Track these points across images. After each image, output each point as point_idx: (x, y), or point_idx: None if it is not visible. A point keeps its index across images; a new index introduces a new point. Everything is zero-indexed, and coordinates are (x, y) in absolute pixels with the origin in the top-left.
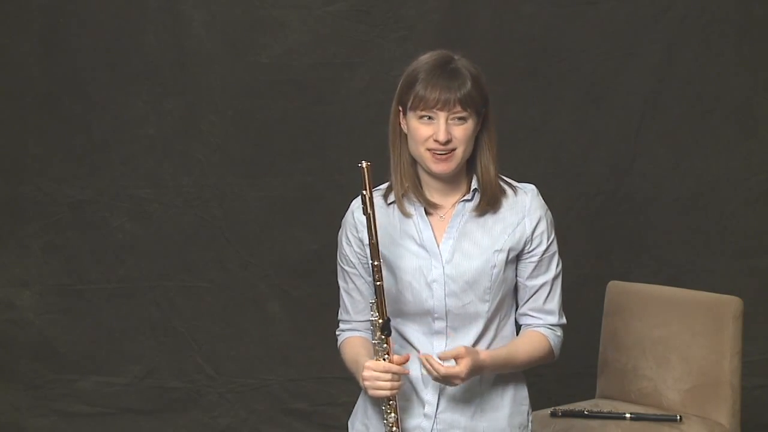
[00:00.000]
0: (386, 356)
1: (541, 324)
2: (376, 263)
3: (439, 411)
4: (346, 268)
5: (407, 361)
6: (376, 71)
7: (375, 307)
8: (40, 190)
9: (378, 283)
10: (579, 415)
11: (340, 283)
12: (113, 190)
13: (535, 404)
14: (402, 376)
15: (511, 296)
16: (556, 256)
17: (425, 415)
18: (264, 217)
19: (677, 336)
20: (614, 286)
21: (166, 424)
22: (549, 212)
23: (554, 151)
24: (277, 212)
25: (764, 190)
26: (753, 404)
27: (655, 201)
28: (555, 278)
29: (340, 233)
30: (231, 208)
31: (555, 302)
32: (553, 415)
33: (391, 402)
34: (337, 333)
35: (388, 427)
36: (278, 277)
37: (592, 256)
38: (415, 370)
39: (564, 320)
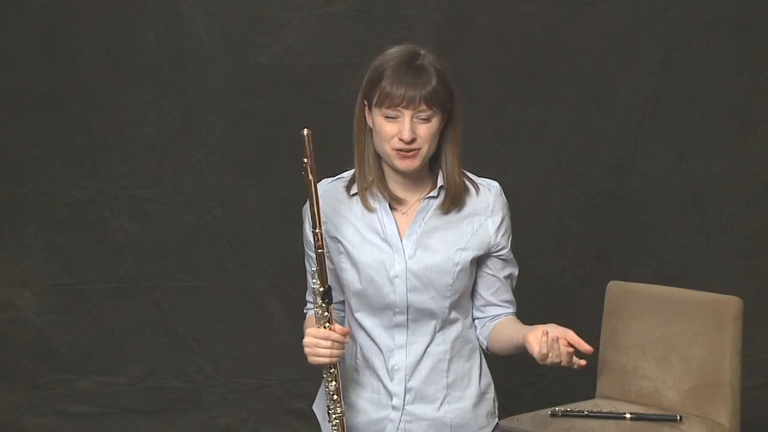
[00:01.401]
0: (327, 324)
1: (510, 312)
2: (317, 231)
3: (406, 403)
4: (309, 252)
5: (348, 333)
6: None
7: (316, 274)
8: (40, 190)
9: (320, 251)
10: (579, 415)
11: (306, 266)
12: (113, 190)
13: (535, 404)
14: (365, 365)
15: (469, 292)
16: (512, 253)
17: (393, 407)
18: (264, 217)
19: (677, 336)
20: (614, 286)
21: (166, 424)
22: (509, 213)
23: (554, 151)
24: (277, 212)
25: (764, 190)
26: (753, 404)
27: (655, 201)
28: (516, 273)
29: (303, 217)
30: (231, 208)
31: (513, 291)
32: (553, 415)
33: (332, 370)
34: (304, 311)
35: (329, 395)
36: (278, 277)
37: (592, 256)
38: (381, 362)
39: None
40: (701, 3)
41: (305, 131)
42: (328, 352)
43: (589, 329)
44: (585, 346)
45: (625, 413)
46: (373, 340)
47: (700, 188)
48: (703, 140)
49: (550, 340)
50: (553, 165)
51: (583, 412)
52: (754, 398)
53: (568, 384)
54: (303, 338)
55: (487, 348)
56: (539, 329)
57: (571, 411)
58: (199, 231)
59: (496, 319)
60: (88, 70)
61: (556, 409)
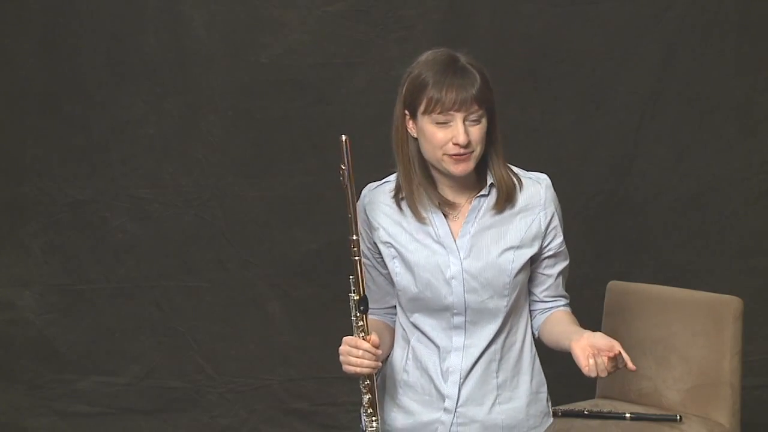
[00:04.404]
0: (362, 334)
1: (561, 305)
2: (354, 238)
3: (459, 405)
4: (364, 258)
5: (378, 345)
6: (376, 71)
7: (353, 283)
8: (40, 190)
9: (356, 258)
10: (579, 415)
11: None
12: (113, 190)
13: None
14: (416, 365)
15: (525, 288)
16: (566, 248)
17: (445, 409)
18: (264, 217)
19: (677, 336)
20: (614, 286)
21: (166, 424)
22: (559, 205)
23: (554, 151)
24: (277, 212)
25: (764, 190)
26: (753, 404)
27: (655, 201)
28: (568, 265)
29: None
30: (231, 208)
31: (564, 285)
32: (553, 415)
33: (366, 382)
34: None
35: (364, 408)
36: (278, 277)
37: (592, 256)
38: (434, 364)
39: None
40: (701, 3)
41: (343, 137)
42: (358, 361)
43: (589, 329)
44: (629, 364)
45: (625, 413)
46: (430, 339)
47: (700, 188)
48: (703, 140)
49: (594, 360)
50: (553, 165)
51: (583, 412)
52: (754, 398)
53: (568, 384)
54: (340, 348)
55: (538, 337)
56: (585, 340)
57: (571, 411)
58: (199, 231)
59: (547, 312)
60: (88, 70)
61: (556, 409)
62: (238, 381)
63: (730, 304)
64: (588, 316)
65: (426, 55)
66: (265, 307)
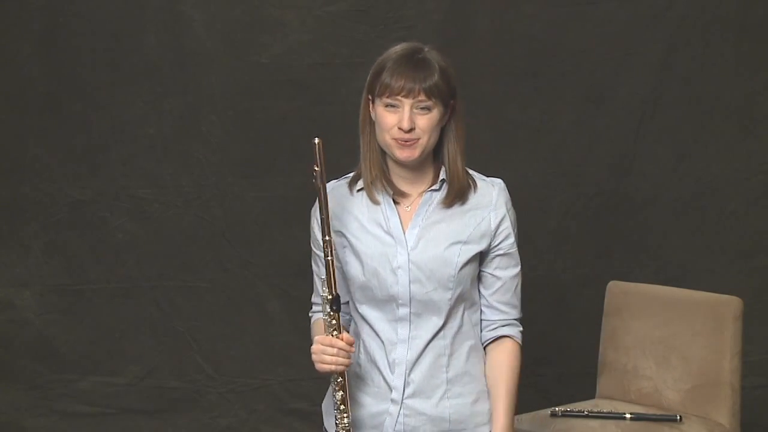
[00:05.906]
0: (335, 332)
1: (508, 319)
2: (326, 239)
3: (405, 396)
4: (316, 251)
5: (353, 343)
6: None
7: (325, 283)
8: (40, 190)
9: (328, 258)
10: (579, 415)
11: (313, 266)
12: (113, 190)
13: (535, 404)
14: (367, 359)
15: (476, 286)
16: (517, 253)
17: (392, 400)
18: (264, 217)
19: (677, 336)
20: (614, 286)
21: (166, 424)
22: (513, 209)
23: (554, 151)
24: (277, 212)
25: (764, 190)
26: (753, 404)
27: (655, 201)
28: (520, 272)
29: (311, 218)
30: (231, 208)
31: (519, 296)
32: (553, 415)
33: (339, 379)
34: (309, 314)
35: (336, 405)
36: (278, 277)
37: (592, 256)
38: (382, 356)
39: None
40: (701, 3)
41: (316, 140)
42: (333, 359)
43: (589, 329)
44: None
45: (625, 413)
46: (376, 333)
47: (700, 188)
48: (703, 140)
49: None
50: (553, 165)
51: (583, 412)
52: (754, 398)
53: (568, 384)
54: (311, 344)
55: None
56: None
57: (571, 411)
58: (199, 231)
59: (495, 330)
60: (88, 70)
61: (556, 409)
62: (238, 381)
63: (730, 304)
64: (588, 316)
65: (396, 46)
66: (265, 307)
